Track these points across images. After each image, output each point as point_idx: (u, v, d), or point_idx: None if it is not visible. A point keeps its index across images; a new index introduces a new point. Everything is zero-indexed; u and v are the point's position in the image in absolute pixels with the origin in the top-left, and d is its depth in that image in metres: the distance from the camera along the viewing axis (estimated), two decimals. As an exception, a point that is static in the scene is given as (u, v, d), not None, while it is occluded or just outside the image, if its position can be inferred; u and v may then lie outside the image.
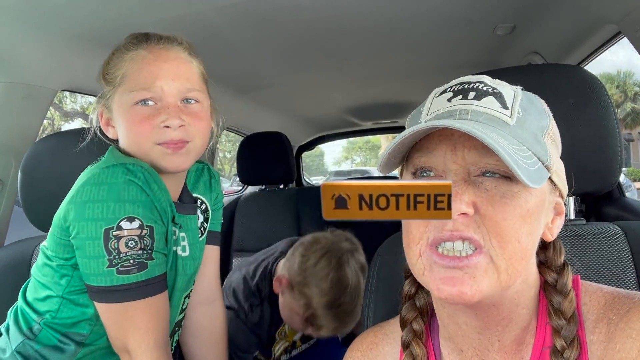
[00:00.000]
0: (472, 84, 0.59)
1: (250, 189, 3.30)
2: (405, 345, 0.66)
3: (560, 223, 0.62)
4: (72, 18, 1.22)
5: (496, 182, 0.55)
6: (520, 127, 0.56)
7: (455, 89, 0.59)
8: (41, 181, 1.25)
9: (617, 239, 0.87)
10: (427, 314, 0.68)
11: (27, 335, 0.93)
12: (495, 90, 0.58)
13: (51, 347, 0.92)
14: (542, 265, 0.63)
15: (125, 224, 0.85)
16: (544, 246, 0.64)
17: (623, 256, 0.85)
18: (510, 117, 0.56)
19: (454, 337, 0.64)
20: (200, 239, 1.11)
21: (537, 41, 1.71)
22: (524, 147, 0.54)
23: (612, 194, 1.75)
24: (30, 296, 0.97)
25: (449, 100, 0.58)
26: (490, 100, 0.57)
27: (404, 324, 0.67)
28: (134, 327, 0.88)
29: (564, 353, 0.57)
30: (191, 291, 1.11)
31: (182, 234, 1.02)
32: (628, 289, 0.81)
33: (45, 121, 1.78)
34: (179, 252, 1.00)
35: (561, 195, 0.62)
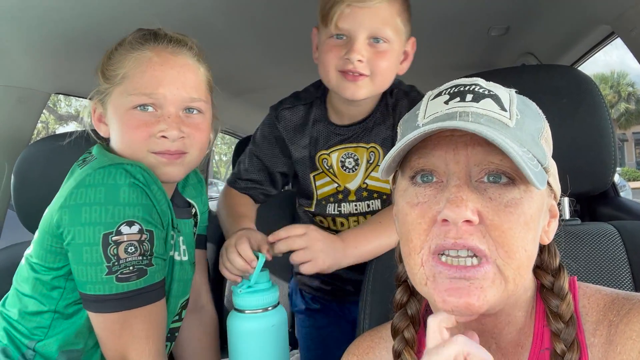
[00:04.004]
0: (468, 87, 0.58)
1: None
2: (397, 355, 0.64)
3: (555, 226, 0.62)
4: (65, 21, 1.21)
5: (500, 190, 0.54)
6: (519, 129, 0.55)
7: (451, 91, 0.59)
8: (34, 184, 1.24)
9: (612, 238, 0.87)
10: (419, 322, 0.67)
11: None
12: (491, 92, 0.57)
13: None
14: (538, 268, 0.63)
15: (124, 229, 0.80)
16: (539, 249, 0.63)
17: (618, 256, 0.85)
18: (510, 119, 0.55)
19: None
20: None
21: (531, 42, 1.71)
22: (525, 149, 0.54)
23: (606, 194, 1.76)
24: (14, 310, 0.89)
25: (446, 102, 0.57)
26: (488, 102, 0.56)
27: (395, 333, 0.66)
28: (133, 337, 0.83)
29: (564, 357, 0.56)
30: (187, 299, 1.05)
31: (181, 238, 0.98)
32: (623, 289, 0.81)
33: (39, 124, 1.77)
34: (177, 257, 0.95)
35: (555, 197, 0.62)
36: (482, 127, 0.51)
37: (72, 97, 1.83)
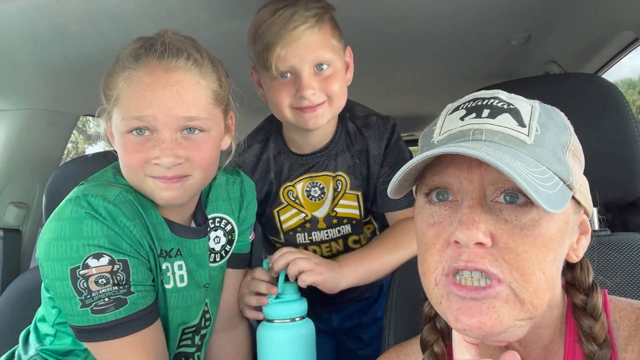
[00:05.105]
0: (486, 100, 0.56)
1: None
2: None
3: (585, 242, 0.59)
4: (91, 44, 1.25)
5: (516, 211, 0.52)
6: (539, 146, 0.53)
7: (469, 105, 0.57)
8: (65, 204, 1.28)
9: (644, 249, 0.84)
10: (449, 335, 0.65)
11: None
12: (510, 107, 0.55)
13: None
14: (570, 285, 0.61)
15: (92, 262, 0.78)
16: (570, 265, 0.61)
17: (651, 267, 0.82)
18: (528, 135, 0.53)
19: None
20: (217, 263, 1.02)
21: (553, 50, 1.69)
22: (543, 168, 0.52)
23: (638, 203, 1.70)
24: (39, 315, 0.95)
25: (462, 118, 0.56)
26: (505, 118, 0.54)
27: (424, 347, 0.65)
28: None
29: None
30: (203, 325, 1.01)
31: (179, 263, 0.92)
32: (658, 302, 0.78)
33: (69, 145, 1.83)
34: (167, 286, 0.91)
35: (586, 213, 0.59)
36: (491, 149, 0.50)
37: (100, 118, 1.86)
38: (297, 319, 0.98)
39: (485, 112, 0.55)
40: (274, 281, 1.03)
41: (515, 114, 0.55)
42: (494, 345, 0.60)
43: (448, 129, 0.56)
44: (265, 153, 1.19)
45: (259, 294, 1.04)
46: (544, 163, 0.52)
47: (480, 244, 0.50)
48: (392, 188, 0.57)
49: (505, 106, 0.55)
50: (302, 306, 1.00)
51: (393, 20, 1.42)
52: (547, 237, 0.51)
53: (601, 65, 1.63)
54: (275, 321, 0.97)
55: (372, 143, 1.17)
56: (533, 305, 0.51)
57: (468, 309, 0.51)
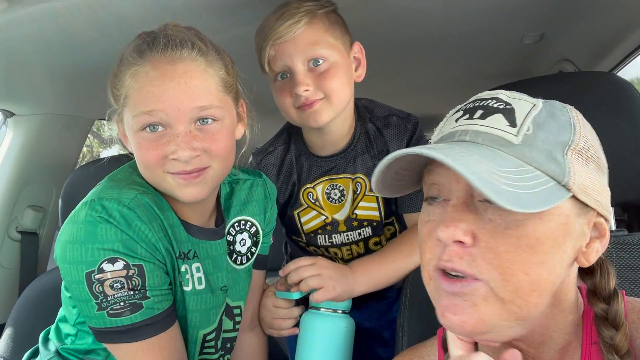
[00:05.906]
0: (485, 101, 0.57)
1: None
2: None
3: (598, 246, 0.56)
4: (102, 49, 1.27)
5: (500, 211, 0.51)
6: (527, 146, 0.52)
7: (467, 107, 0.58)
8: (80, 207, 1.29)
9: (663, 250, 0.82)
10: None
11: None
12: (507, 107, 0.55)
13: None
14: (590, 293, 0.59)
15: (107, 266, 0.78)
16: (590, 271, 0.59)
17: (670, 268, 0.81)
18: (517, 135, 0.53)
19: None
20: (244, 266, 1.03)
21: (567, 48, 1.67)
22: (527, 168, 0.51)
23: (656, 202, 1.67)
24: (60, 315, 0.96)
25: (457, 120, 0.58)
26: (496, 118, 0.54)
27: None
28: None
29: None
30: (232, 329, 1.02)
31: (197, 265, 0.91)
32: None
33: (84, 148, 1.85)
34: (186, 288, 0.90)
35: (603, 217, 0.57)
36: (464, 149, 0.50)
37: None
38: (339, 311, 1.03)
39: (478, 113, 0.56)
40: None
41: (509, 114, 0.54)
42: (493, 345, 0.60)
43: (444, 130, 0.59)
44: (288, 155, 1.21)
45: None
46: (531, 163, 0.52)
47: (460, 242, 0.51)
48: (373, 182, 0.58)
49: (501, 106, 0.55)
50: (347, 302, 1.04)
51: (405, 20, 1.42)
52: (534, 238, 0.50)
53: (616, 63, 1.61)
54: (322, 309, 1.02)
55: (392, 144, 1.17)
56: (516, 306, 0.51)
57: (453, 307, 0.52)
